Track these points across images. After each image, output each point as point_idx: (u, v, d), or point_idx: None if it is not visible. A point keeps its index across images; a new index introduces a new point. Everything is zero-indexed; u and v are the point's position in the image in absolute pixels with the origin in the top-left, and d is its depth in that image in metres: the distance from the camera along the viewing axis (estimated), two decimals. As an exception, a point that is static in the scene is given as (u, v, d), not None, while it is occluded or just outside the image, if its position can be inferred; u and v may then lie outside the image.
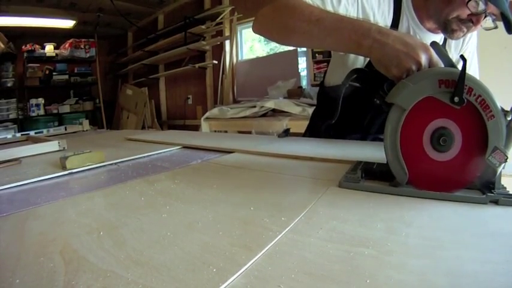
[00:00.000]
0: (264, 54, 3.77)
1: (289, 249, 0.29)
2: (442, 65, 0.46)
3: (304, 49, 3.28)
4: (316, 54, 3.14)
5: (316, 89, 3.24)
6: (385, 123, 0.42)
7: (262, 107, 2.54)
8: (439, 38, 0.79)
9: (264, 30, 0.70)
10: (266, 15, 0.68)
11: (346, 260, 0.27)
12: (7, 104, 4.16)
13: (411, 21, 0.77)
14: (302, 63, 3.35)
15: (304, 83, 3.31)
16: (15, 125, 4.10)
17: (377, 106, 0.49)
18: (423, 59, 0.45)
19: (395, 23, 0.75)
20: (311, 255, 0.28)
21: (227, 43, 3.72)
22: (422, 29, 0.77)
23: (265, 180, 0.54)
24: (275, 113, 2.55)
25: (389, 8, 0.74)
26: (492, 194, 0.38)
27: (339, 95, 0.57)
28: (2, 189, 0.54)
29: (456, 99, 0.39)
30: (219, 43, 3.78)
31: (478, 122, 0.38)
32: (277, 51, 3.67)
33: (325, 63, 3.12)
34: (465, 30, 0.71)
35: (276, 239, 0.31)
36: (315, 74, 3.17)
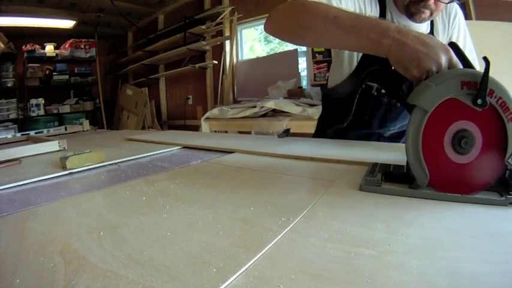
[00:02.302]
0: (264, 54, 3.77)
1: (289, 250, 0.29)
2: (461, 66, 0.45)
3: (304, 49, 3.28)
4: (316, 54, 3.14)
5: (317, 89, 3.23)
6: (407, 125, 0.42)
7: (262, 107, 2.54)
8: (425, 26, 0.80)
9: (277, 29, 0.69)
10: (280, 13, 0.67)
11: (346, 260, 0.27)
12: (7, 104, 4.16)
13: (394, 13, 0.78)
14: (302, 63, 3.35)
15: (304, 83, 3.31)
16: (15, 125, 4.10)
17: (374, 98, 0.49)
18: (443, 59, 0.45)
19: (382, 15, 0.77)
20: (311, 256, 0.28)
21: (227, 43, 3.72)
22: (405, 18, 0.77)
23: (265, 180, 0.54)
24: (275, 113, 2.55)
25: (376, 4, 0.77)
26: (511, 196, 0.38)
27: (341, 94, 0.57)
28: (2, 189, 0.55)
29: (479, 101, 0.38)
30: (219, 43, 3.78)
31: (498, 124, 0.39)
32: (277, 51, 3.67)
33: (325, 63, 3.12)
34: (426, 11, 0.72)
35: (276, 239, 0.31)
36: (315, 74, 3.17)
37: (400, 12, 0.78)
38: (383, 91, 0.71)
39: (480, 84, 0.38)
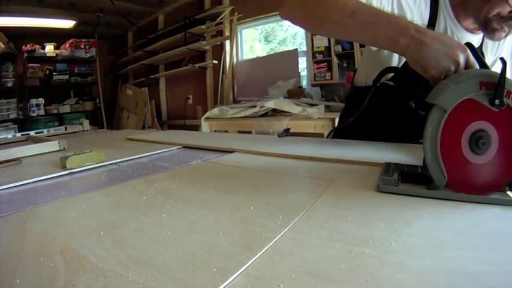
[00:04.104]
0: (264, 54, 3.77)
1: (289, 249, 0.29)
2: (477, 66, 0.45)
3: (305, 49, 3.29)
4: (317, 54, 3.14)
5: (317, 88, 3.23)
6: (425, 125, 0.41)
7: (262, 106, 2.54)
8: (477, 38, 0.75)
9: (293, 16, 0.67)
10: (296, 0, 0.65)
11: (346, 259, 0.27)
12: (7, 104, 4.16)
13: (448, 19, 0.72)
14: (302, 63, 3.35)
15: (304, 82, 3.31)
16: (15, 125, 4.10)
17: (412, 110, 0.48)
18: (461, 59, 0.45)
19: (432, 21, 0.72)
20: (311, 255, 0.28)
21: (227, 43, 3.72)
22: (460, 28, 0.73)
23: (265, 180, 0.54)
24: (275, 112, 2.55)
25: (426, 6, 0.71)
26: None
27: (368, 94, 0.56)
28: (2, 189, 0.54)
29: (497, 101, 0.38)
30: (219, 43, 3.78)
31: None
32: (277, 51, 3.67)
33: (325, 63, 3.12)
34: (507, 29, 0.66)
35: (276, 239, 0.31)
36: (315, 73, 3.17)
37: (467, 22, 0.72)
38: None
39: (498, 85, 0.38)
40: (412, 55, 0.48)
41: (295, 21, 0.68)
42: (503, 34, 0.67)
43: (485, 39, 0.77)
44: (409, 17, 0.68)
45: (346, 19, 0.56)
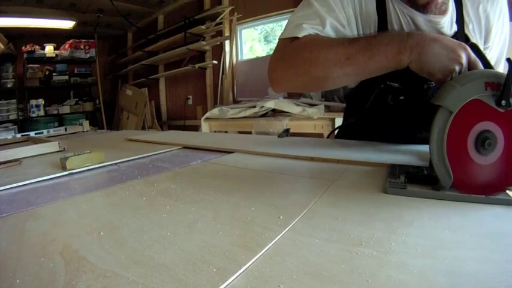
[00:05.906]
0: (264, 54, 3.77)
1: (289, 249, 0.29)
2: (480, 63, 0.46)
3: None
4: (316, 54, 3.13)
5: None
6: (431, 126, 0.42)
7: (262, 107, 2.54)
8: (444, 20, 0.64)
9: (291, 88, 0.68)
10: (285, 71, 0.63)
11: (346, 260, 0.27)
12: (7, 105, 4.16)
13: (396, 2, 0.64)
14: (302, 63, 3.33)
15: (304, 83, 3.30)
16: (15, 126, 4.10)
17: (391, 107, 0.48)
18: (464, 58, 0.45)
19: (381, 9, 0.65)
20: (311, 255, 0.28)
21: (227, 43, 3.71)
22: (410, 8, 0.64)
23: (265, 180, 0.54)
24: (275, 113, 2.55)
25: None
26: None
27: (362, 93, 0.56)
28: (2, 190, 0.54)
29: (503, 102, 0.38)
30: (218, 43, 3.78)
31: None
32: (277, 51, 3.66)
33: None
34: None
35: (276, 239, 0.31)
36: (314, 74, 3.17)
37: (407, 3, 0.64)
38: (401, 97, 0.63)
39: (504, 86, 0.38)
40: (417, 65, 0.49)
41: (294, 90, 0.67)
42: None
43: (468, 21, 0.66)
44: (362, 7, 0.64)
45: (345, 68, 0.56)
